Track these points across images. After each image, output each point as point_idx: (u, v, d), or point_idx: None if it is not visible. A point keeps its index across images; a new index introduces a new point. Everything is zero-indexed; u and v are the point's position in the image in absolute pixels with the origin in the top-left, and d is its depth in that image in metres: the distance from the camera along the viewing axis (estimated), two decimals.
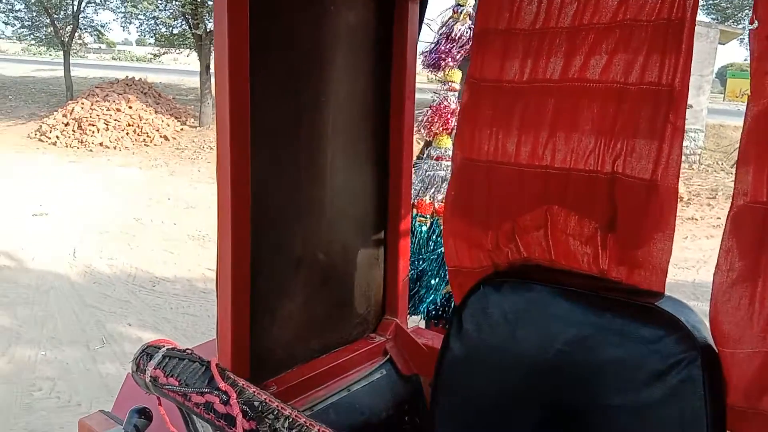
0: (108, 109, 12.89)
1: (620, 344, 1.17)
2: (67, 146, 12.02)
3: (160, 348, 0.96)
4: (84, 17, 17.36)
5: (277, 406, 0.85)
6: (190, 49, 16.14)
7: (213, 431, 0.94)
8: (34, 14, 17.69)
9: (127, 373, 1.39)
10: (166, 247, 6.61)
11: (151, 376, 0.94)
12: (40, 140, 12.30)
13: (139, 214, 7.71)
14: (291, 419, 0.83)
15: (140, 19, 16.41)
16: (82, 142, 12.11)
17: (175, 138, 12.65)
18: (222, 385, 0.87)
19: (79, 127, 12.45)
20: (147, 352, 0.97)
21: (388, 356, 1.59)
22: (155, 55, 18.15)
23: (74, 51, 18.43)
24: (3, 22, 19.10)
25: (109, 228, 7.14)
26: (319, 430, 0.80)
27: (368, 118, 1.52)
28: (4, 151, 11.47)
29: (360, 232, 1.56)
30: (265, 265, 1.29)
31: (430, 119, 2.57)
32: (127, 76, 14.72)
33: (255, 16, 1.15)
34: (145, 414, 1.00)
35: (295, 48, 1.30)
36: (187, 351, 0.95)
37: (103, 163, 10.88)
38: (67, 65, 15.67)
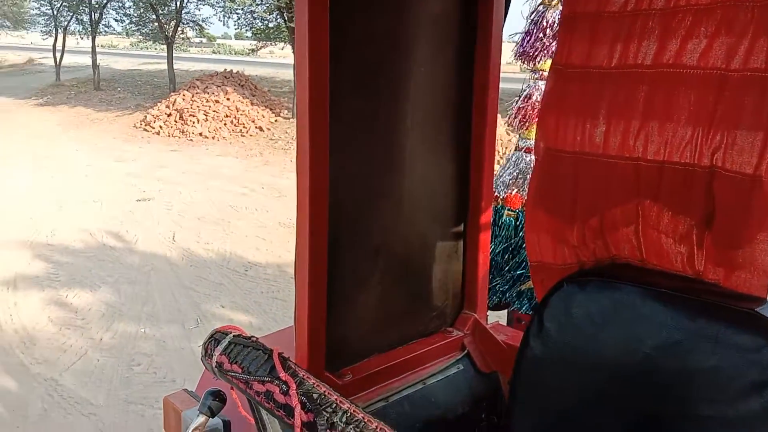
0: (207, 101, 13.49)
1: (715, 352, 1.08)
2: (169, 136, 12.68)
3: (227, 334, 0.98)
4: (186, 13, 18.25)
5: (335, 399, 0.85)
6: (285, 42, 16.61)
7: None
8: (141, 11, 18.78)
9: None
10: (259, 233, 6.84)
11: (216, 362, 0.96)
12: (145, 130, 13.05)
13: (235, 202, 8.03)
14: (349, 414, 0.82)
15: (238, 14, 17.04)
16: (183, 132, 12.74)
17: (269, 129, 13.05)
18: (283, 374, 0.88)
19: (181, 117, 13.10)
20: (215, 337, 0.99)
21: (465, 351, 1.56)
22: (252, 49, 18.79)
23: (177, 45, 19.43)
24: (114, 19, 20.44)
25: (206, 214, 7.48)
26: (377, 426, 0.79)
27: (450, 108, 1.48)
28: (114, 139, 12.26)
29: (439, 224, 1.54)
30: (342, 255, 1.30)
31: (519, 110, 2.50)
32: (225, 69, 15.34)
33: (336, 6, 1.15)
34: (219, 396, 1.03)
35: (375, 38, 1.29)
36: (253, 339, 0.97)
37: (202, 152, 11.40)
38: (170, 59, 16.52)
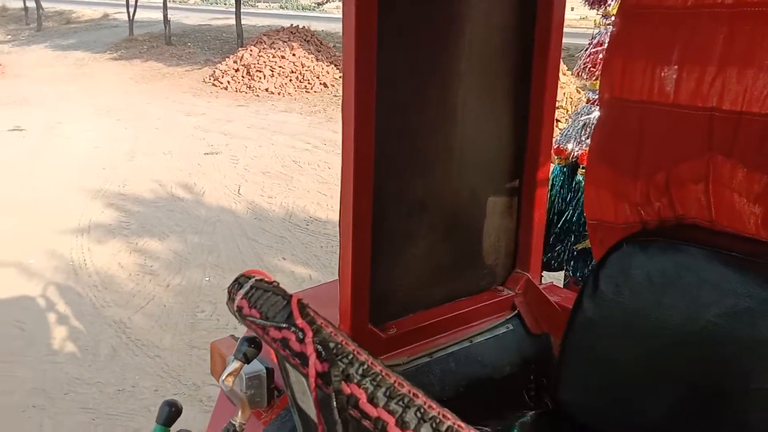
0: (273, 56, 13.55)
1: None
2: (236, 91, 12.86)
3: (250, 278, 0.95)
4: None
5: (353, 350, 0.81)
6: None
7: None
8: None
9: None
10: (321, 189, 6.89)
11: (237, 306, 0.94)
12: (214, 84, 13.28)
13: (298, 157, 8.11)
14: (366, 366, 0.78)
15: None
16: (250, 88, 12.90)
17: (333, 85, 13.02)
18: (299, 321, 0.84)
19: (248, 73, 13.24)
20: (239, 281, 0.97)
21: (516, 311, 1.50)
22: (319, 4, 18.67)
23: (245, 0, 19.50)
24: None
25: (270, 169, 7.59)
26: (395, 381, 0.75)
27: (507, 56, 1.39)
28: (184, 93, 12.55)
29: (492, 179, 1.47)
30: (388, 207, 1.26)
31: (589, 57, 2.36)
32: (291, 24, 15.32)
33: None
34: (254, 343, 1.02)
35: None
36: (274, 283, 0.94)
37: (267, 107, 11.52)
38: (238, 14, 16.61)
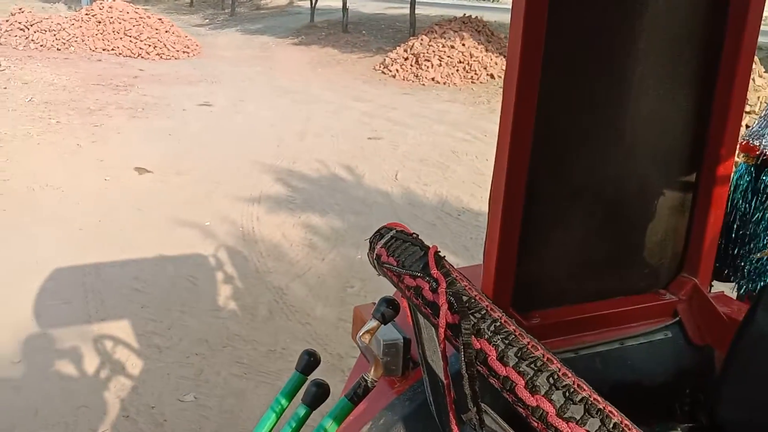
0: (443, 46, 13.63)
1: None
2: (404, 79, 13.13)
3: (391, 230, 0.97)
4: None
5: (486, 305, 0.78)
6: None
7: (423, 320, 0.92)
8: None
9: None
10: (476, 180, 6.85)
11: (376, 254, 0.95)
12: (383, 72, 13.66)
13: (456, 147, 8.11)
14: (498, 324, 0.76)
15: None
16: (417, 76, 13.10)
17: (500, 77, 12.81)
18: (434, 271, 0.83)
19: (416, 62, 13.45)
20: (380, 232, 0.98)
21: (677, 318, 1.37)
22: None
23: None
24: None
25: (428, 157, 7.68)
26: (529, 343, 0.72)
27: (694, 34, 1.25)
28: (355, 80, 13.06)
29: (665, 170, 1.33)
30: (542, 190, 1.20)
31: None
32: (464, 15, 15.29)
33: None
34: (393, 305, 1.04)
35: None
36: (414, 235, 0.94)
37: (432, 96, 11.64)
38: (412, 3, 16.91)
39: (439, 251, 0.90)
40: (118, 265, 4.59)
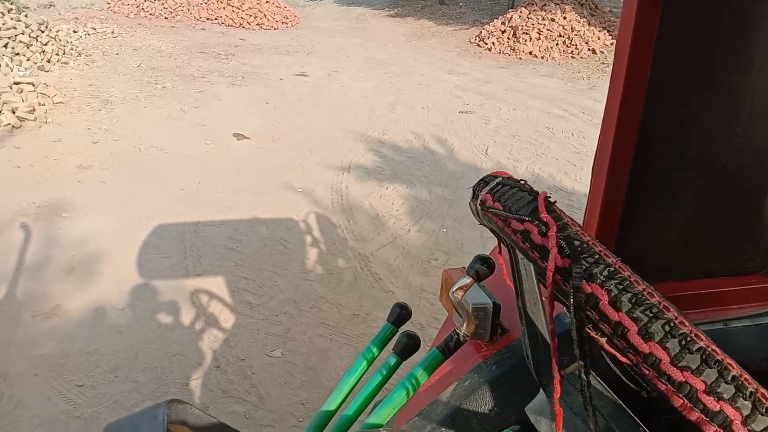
0: (543, 19, 13.18)
1: None
2: (500, 52, 12.83)
3: (496, 177, 0.94)
4: None
5: (600, 251, 0.75)
6: None
7: (528, 266, 0.89)
8: None
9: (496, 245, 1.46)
10: (571, 158, 6.64)
11: (480, 200, 0.93)
12: (478, 45, 13.40)
13: (551, 124, 7.87)
14: (612, 269, 0.72)
15: None
16: (513, 50, 12.76)
17: (602, 52, 12.27)
18: (544, 215, 0.80)
19: (514, 35, 13.09)
20: (485, 180, 0.95)
21: None
22: None
23: None
24: None
25: (521, 132, 7.50)
26: (645, 289, 0.68)
27: None
28: (449, 52, 12.89)
29: None
30: (651, 160, 1.14)
31: None
32: None
33: None
34: (488, 263, 1.03)
35: None
36: (521, 181, 0.91)
37: (528, 71, 11.31)
38: None
39: (549, 196, 0.86)
40: (215, 224, 4.82)
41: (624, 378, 1.01)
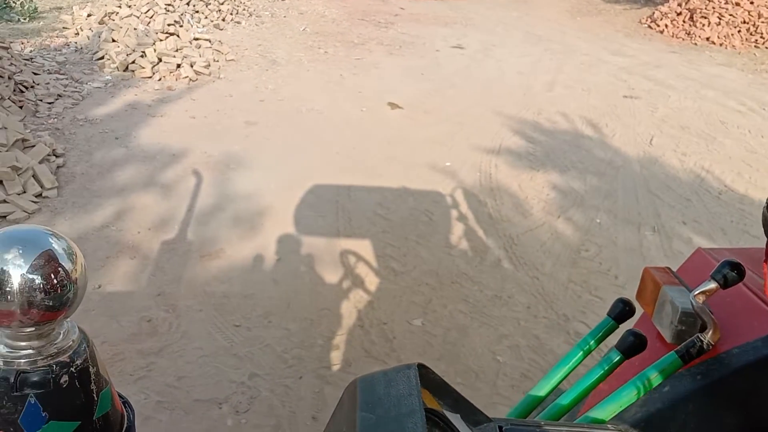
0: (726, 2, 12.00)
1: None
2: (673, 36, 11.89)
3: None
4: None
5: None
6: None
7: None
8: None
9: (698, 248, 1.36)
10: (746, 158, 6.05)
11: None
12: (649, 26, 12.49)
13: (726, 118, 7.21)
14: None
15: None
16: (688, 34, 11.77)
17: None
18: None
19: (691, 18, 12.05)
20: None
21: None
22: None
23: None
24: None
25: (691, 124, 6.94)
26: None
27: None
28: (616, 32, 12.15)
29: None
30: None
31: None
32: None
33: None
34: (737, 269, 0.95)
35: None
36: None
37: (703, 58, 10.39)
38: None
39: None
40: (365, 190, 4.95)
41: None
